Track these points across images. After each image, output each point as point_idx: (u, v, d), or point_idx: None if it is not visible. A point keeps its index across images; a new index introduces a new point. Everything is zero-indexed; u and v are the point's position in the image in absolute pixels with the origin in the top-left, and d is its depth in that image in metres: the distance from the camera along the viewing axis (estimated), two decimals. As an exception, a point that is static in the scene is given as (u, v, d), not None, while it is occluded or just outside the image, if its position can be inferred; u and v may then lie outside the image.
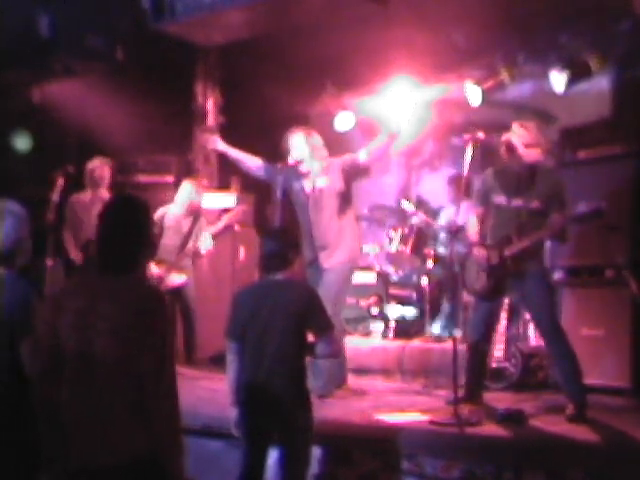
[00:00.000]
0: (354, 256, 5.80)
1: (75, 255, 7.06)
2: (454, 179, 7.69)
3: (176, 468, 2.86)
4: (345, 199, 5.75)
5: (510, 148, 5.07)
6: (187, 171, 8.27)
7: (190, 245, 6.99)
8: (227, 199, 7.80)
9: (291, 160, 5.74)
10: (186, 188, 7.18)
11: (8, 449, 3.24)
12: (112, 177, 7.39)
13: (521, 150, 5.04)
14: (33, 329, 3.20)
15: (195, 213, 7.09)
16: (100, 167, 7.32)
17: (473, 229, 5.30)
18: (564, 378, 5.05)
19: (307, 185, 5.77)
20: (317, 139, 5.79)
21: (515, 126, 5.13)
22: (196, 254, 7.07)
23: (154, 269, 6.80)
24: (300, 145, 5.72)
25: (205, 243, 6.94)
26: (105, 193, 7.22)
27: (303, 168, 5.74)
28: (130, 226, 2.99)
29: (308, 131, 5.85)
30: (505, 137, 5.11)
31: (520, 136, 5.07)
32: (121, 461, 2.79)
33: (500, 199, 5.16)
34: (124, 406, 2.80)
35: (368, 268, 7.79)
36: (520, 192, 5.07)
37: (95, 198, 7.09)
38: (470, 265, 5.27)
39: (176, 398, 2.88)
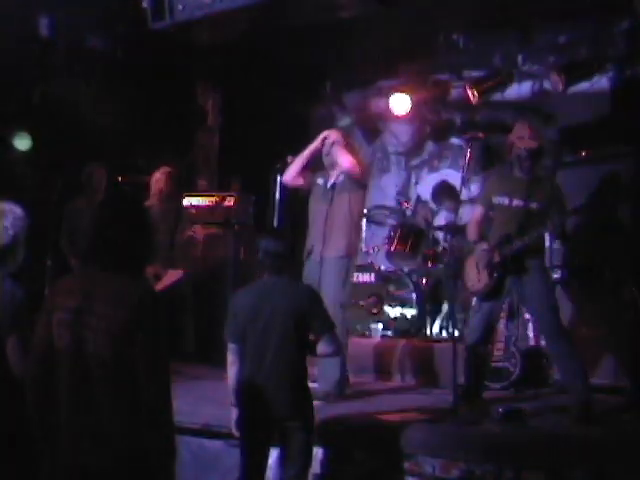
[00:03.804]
0: (353, 250, 5.86)
1: (75, 265, 6.95)
2: (438, 189, 7.73)
3: (168, 468, 2.85)
4: (355, 198, 5.87)
5: (510, 146, 5.16)
6: (187, 171, 8.26)
7: (177, 238, 7.01)
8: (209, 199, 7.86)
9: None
10: (154, 178, 7.17)
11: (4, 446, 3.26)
12: (107, 181, 7.29)
13: (518, 142, 5.12)
14: (20, 327, 3.21)
15: (170, 202, 7.10)
16: (96, 172, 7.21)
17: (474, 229, 5.32)
18: (567, 377, 5.05)
19: (327, 178, 5.91)
20: (350, 141, 6.04)
21: (515, 126, 5.23)
22: (189, 243, 7.12)
23: (149, 268, 6.80)
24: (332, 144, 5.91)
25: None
26: (101, 198, 7.11)
27: (326, 163, 5.92)
28: (133, 226, 2.97)
29: (343, 133, 6.12)
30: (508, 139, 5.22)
31: (516, 132, 5.17)
32: (114, 460, 2.79)
33: (501, 200, 5.19)
34: (118, 405, 2.79)
35: (368, 268, 7.78)
36: (521, 193, 5.10)
37: (91, 203, 6.96)
38: (471, 265, 5.28)
39: (170, 398, 2.87)
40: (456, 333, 6.13)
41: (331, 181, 5.86)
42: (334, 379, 5.54)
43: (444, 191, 7.64)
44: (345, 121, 8.46)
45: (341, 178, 5.84)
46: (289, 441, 3.96)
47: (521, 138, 5.12)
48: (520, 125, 5.22)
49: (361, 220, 6.00)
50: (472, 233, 5.33)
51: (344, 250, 5.77)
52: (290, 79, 7.85)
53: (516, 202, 5.13)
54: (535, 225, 5.02)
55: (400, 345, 6.95)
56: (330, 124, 8.06)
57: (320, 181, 5.96)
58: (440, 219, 7.82)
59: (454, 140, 8.26)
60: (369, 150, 8.77)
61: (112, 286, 2.87)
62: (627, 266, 5.72)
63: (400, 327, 7.56)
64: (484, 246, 5.19)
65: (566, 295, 6.08)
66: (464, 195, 6.55)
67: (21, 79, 7.16)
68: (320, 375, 5.49)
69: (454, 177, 7.84)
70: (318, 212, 5.85)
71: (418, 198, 8.45)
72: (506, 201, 5.17)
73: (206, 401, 5.34)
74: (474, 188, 7.47)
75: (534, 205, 5.09)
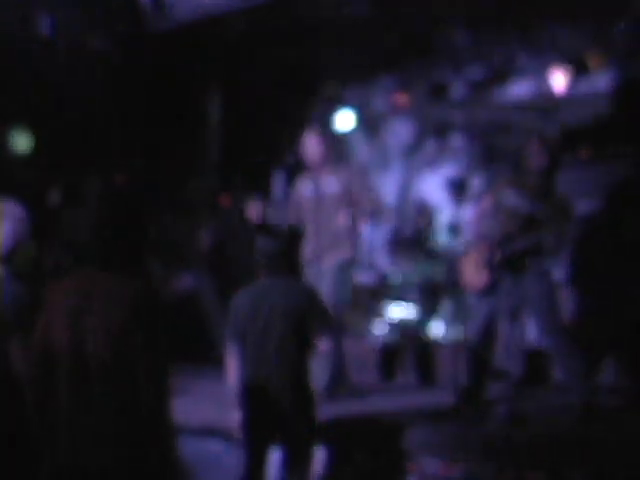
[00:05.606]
0: (352, 252, 5.82)
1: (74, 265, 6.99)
2: (454, 181, 7.70)
3: (168, 468, 2.85)
4: (348, 202, 5.72)
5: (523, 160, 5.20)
6: (187, 172, 8.27)
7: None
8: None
9: (293, 160, 5.82)
10: None
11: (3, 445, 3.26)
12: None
13: (529, 160, 5.13)
14: (24, 328, 3.21)
15: None
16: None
17: (475, 227, 5.32)
18: (569, 377, 5.04)
19: (314, 185, 5.75)
20: (331, 142, 5.86)
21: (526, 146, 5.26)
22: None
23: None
24: (313, 146, 5.75)
25: None
26: None
27: (312, 168, 5.77)
28: (132, 225, 2.97)
29: (322, 133, 5.93)
30: None
31: (526, 150, 5.18)
32: (114, 460, 2.79)
33: (507, 200, 5.17)
34: (118, 405, 2.80)
35: (368, 267, 7.79)
36: (527, 196, 5.09)
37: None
38: (470, 263, 5.27)
39: (170, 398, 2.87)
40: (457, 333, 6.13)
41: (322, 187, 5.69)
42: (327, 379, 5.53)
43: (455, 185, 7.62)
44: (345, 120, 8.44)
45: (335, 185, 5.68)
46: (291, 441, 3.96)
47: (531, 155, 5.10)
48: (530, 142, 5.18)
49: (360, 221, 5.94)
50: (473, 231, 5.33)
51: (343, 254, 5.73)
52: (290, 79, 7.86)
53: (521, 203, 5.12)
54: (538, 225, 5.02)
55: (400, 345, 6.96)
56: (330, 124, 8.06)
57: (309, 188, 5.76)
58: (440, 219, 7.82)
59: (455, 139, 8.26)
60: (369, 149, 8.77)
61: (111, 286, 2.87)
62: (628, 266, 5.72)
63: (400, 327, 7.57)
64: (485, 245, 5.18)
65: (567, 294, 6.08)
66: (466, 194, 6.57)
67: (21, 79, 7.17)
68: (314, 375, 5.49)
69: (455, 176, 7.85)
70: (312, 223, 5.69)
71: (418, 198, 8.46)
72: (509, 200, 5.16)
73: (206, 401, 5.34)
74: (475, 187, 7.48)
75: (538, 209, 5.08)
